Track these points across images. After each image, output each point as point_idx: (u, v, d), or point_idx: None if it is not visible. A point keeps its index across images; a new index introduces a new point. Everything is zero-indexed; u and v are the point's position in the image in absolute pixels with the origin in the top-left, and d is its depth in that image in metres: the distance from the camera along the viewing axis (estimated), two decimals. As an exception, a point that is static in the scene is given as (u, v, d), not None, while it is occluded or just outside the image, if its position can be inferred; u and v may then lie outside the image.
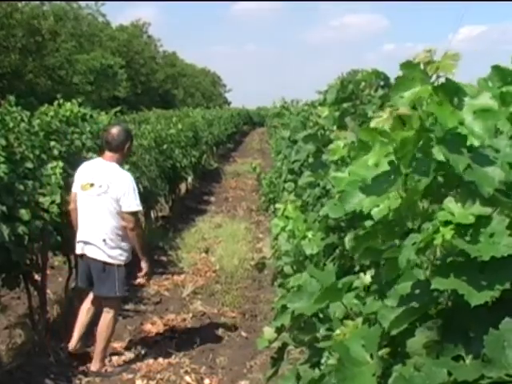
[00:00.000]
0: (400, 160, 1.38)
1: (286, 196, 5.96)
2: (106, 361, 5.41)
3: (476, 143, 1.34)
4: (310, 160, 4.69)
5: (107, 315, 5.28)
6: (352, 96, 4.36)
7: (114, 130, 5.36)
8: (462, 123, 1.34)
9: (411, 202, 1.40)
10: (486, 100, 1.37)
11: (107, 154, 5.28)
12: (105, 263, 5.15)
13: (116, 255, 5.16)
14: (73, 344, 5.38)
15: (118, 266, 5.15)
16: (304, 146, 4.99)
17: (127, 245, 5.21)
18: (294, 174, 6.06)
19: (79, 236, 5.25)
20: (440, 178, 1.39)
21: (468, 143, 1.33)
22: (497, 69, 1.64)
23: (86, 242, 5.19)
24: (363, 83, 4.09)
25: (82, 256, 5.28)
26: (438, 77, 1.36)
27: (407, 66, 1.39)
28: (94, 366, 5.27)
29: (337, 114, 3.78)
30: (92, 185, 5.16)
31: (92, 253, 5.17)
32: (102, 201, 5.11)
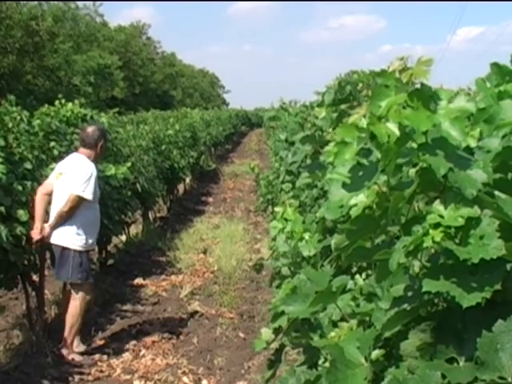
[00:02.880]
0: (382, 159, 1.40)
1: (283, 197, 5.98)
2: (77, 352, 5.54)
3: (454, 145, 1.35)
4: (308, 161, 4.70)
5: (73, 302, 5.49)
6: (350, 97, 4.37)
7: (89, 129, 5.75)
8: (438, 127, 1.35)
9: (397, 207, 1.41)
10: (462, 103, 1.38)
11: (81, 150, 5.66)
12: (63, 248, 5.42)
13: (73, 239, 5.41)
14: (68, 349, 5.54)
15: (75, 251, 5.41)
16: (301, 148, 5.00)
17: (84, 230, 5.46)
18: (292, 175, 6.07)
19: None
20: (425, 182, 1.40)
21: (451, 146, 1.35)
22: (496, 66, 1.64)
23: (51, 228, 5.43)
24: (361, 84, 4.10)
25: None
26: (414, 83, 1.38)
27: (382, 75, 1.40)
28: (63, 349, 5.50)
29: (334, 115, 3.79)
30: (61, 173, 5.53)
31: (53, 238, 5.43)
32: (65, 186, 5.44)
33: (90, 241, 5.52)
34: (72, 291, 5.51)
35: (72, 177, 5.43)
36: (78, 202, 5.38)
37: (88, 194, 5.40)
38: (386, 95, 1.37)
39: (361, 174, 1.44)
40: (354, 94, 4.42)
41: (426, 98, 1.35)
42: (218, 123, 27.41)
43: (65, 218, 5.37)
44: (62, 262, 5.44)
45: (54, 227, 5.37)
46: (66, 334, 5.47)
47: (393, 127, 1.36)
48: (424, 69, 1.35)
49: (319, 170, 3.12)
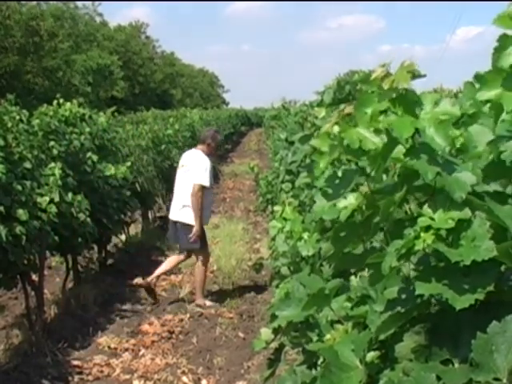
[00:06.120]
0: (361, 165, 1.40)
1: (283, 196, 5.97)
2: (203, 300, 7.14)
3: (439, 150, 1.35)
4: (307, 161, 4.70)
5: (198, 264, 7.18)
6: (349, 97, 4.38)
7: (205, 130, 8.03)
8: (422, 133, 1.34)
9: (387, 211, 1.41)
10: (447, 106, 1.38)
11: (198, 146, 7.46)
12: (182, 224, 7.08)
13: (190, 217, 7.00)
14: (149, 277, 7.23)
15: (191, 225, 6.99)
16: (301, 147, 5.00)
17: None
18: (292, 175, 6.07)
19: (171, 203, 7.43)
20: (414, 186, 1.41)
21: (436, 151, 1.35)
22: (470, 84, 1.63)
23: (173, 208, 7.27)
24: (360, 84, 4.10)
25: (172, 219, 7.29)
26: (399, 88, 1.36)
27: (365, 82, 1.40)
28: (197, 300, 7.14)
29: (334, 115, 3.78)
30: (183, 165, 7.32)
31: (175, 216, 7.20)
32: (186, 176, 7.13)
33: (205, 220, 7.17)
34: (196, 256, 7.20)
35: (192, 169, 7.07)
36: (201, 190, 6.96)
37: (206, 182, 7.00)
38: (372, 101, 1.37)
39: (337, 182, 1.46)
40: (354, 93, 4.42)
41: (410, 103, 1.35)
42: (217, 123, 27.39)
43: (198, 204, 6.95)
44: (181, 234, 7.08)
45: (196, 215, 6.97)
46: (196, 289, 7.23)
47: (364, 132, 1.36)
48: (406, 74, 1.34)
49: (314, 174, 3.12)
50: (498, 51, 1.37)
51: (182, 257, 7.43)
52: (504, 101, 1.35)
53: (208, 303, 7.16)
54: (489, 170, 1.39)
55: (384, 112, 1.39)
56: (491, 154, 1.43)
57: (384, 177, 1.53)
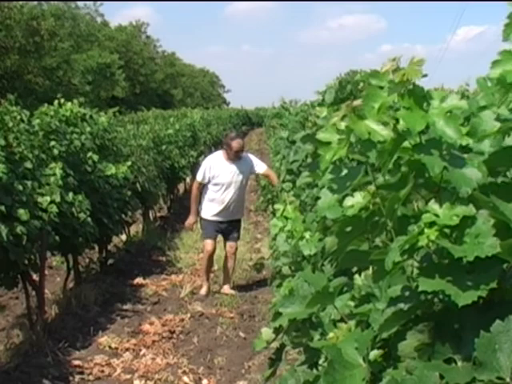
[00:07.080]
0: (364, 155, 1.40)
1: (284, 196, 5.96)
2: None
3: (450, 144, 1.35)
4: (309, 160, 4.70)
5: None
6: (350, 96, 4.37)
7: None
8: (432, 126, 1.34)
9: (393, 207, 1.41)
10: (455, 101, 1.38)
11: None
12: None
13: (200, 209, 7.71)
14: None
15: (200, 218, 7.73)
16: (302, 147, 5.00)
17: (205, 205, 7.61)
18: (293, 175, 6.06)
19: None
20: (420, 182, 1.40)
21: (444, 146, 1.35)
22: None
23: None
24: (362, 84, 4.10)
25: None
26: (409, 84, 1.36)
27: (375, 76, 1.39)
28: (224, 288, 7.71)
29: (335, 114, 3.77)
30: None
31: None
32: None
33: (211, 213, 7.56)
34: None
35: None
36: (195, 184, 7.68)
37: (197, 176, 7.62)
38: (380, 96, 1.37)
39: (343, 174, 1.45)
40: (355, 93, 4.43)
41: (419, 97, 1.35)
42: (218, 123, 27.41)
43: (193, 196, 7.68)
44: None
45: (191, 205, 7.73)
46: None
47: (373, 125, 1.36)
48: (417, 69, 1.34)
49: (319, 169, 3.10)
50: (509, 27, 1.38)
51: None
52: (509, 76, 1.35)
53: (228, 290, 7.65)
54: (497, 157, 1.38)
55: (391, 107, 1.39)
56: (498, 136, 1.43)
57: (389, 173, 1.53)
